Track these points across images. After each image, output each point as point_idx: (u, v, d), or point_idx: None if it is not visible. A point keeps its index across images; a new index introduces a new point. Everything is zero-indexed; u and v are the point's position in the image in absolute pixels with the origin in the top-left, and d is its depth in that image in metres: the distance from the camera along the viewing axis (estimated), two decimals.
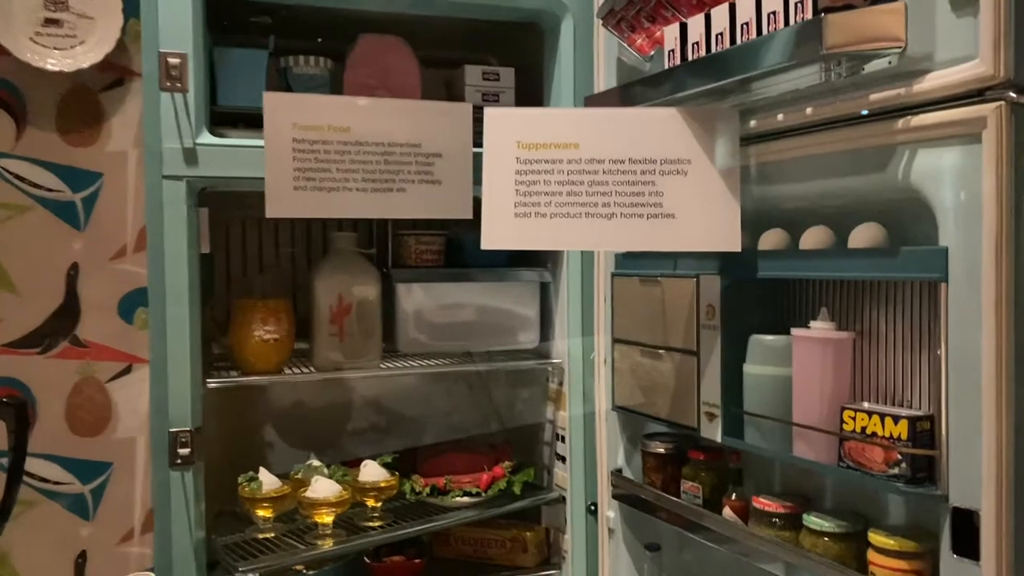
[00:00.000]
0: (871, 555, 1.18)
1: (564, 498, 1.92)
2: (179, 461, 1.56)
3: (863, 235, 1.20)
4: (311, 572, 1.77)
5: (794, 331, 1.29)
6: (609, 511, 1.77)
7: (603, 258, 1.78)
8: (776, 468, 1.45)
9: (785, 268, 1.32)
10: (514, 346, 1.96)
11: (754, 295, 1.41)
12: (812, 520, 1.26)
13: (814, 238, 1.28)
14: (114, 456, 2.15)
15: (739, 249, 1.34)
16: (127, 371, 2.16)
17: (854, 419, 1.18)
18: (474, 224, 1.76)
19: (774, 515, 1.34)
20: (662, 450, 1.61)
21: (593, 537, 1.85)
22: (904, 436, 1.12)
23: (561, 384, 1.93)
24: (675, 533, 1.66)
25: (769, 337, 1.35)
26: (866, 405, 1.21)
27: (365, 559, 1.85)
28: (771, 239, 1.36)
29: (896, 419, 1.13)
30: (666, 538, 1.68)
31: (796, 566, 1.27)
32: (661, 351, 1.55)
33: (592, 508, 1.86)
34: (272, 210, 1.50)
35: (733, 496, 1.44)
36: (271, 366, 1.75)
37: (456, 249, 1.95)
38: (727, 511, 1.43)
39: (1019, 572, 1.00)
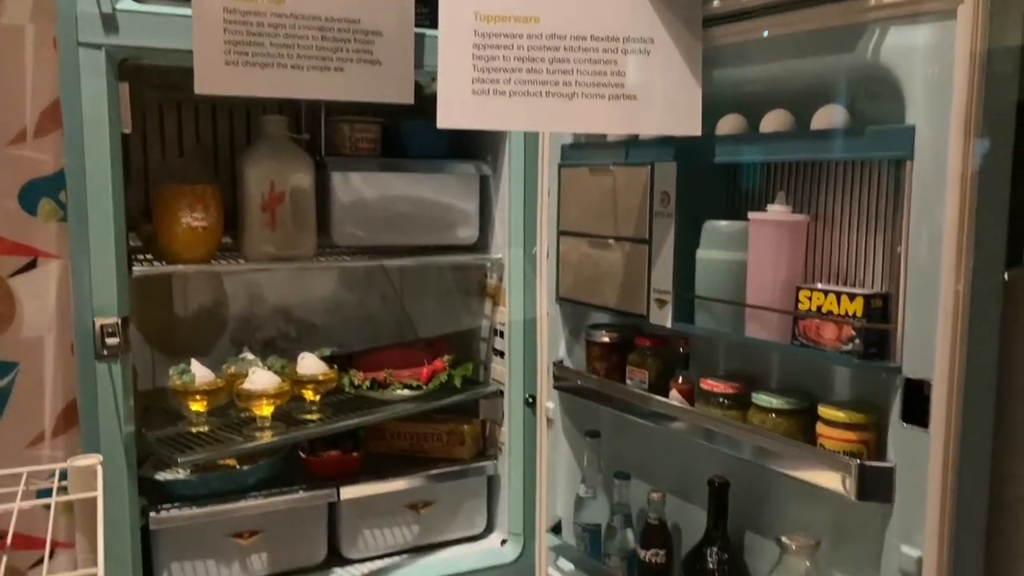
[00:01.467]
0: (820, 428, 1.23)
1: (501, 392, 1.92)
2: (106, 352, 1.47)
3: (825, 117, 1.21)
4: (246, 467, 1.73)
5: (751, 215, 1.30)
6: (549, 402, 1.78)
7: (547, 150, 1.74)
8: (722, 353, 1.49)
9: (744, 153, 1.32)
10: (453, 241, 1.92)
11: (710, 182, 1.42)
12: (762, 398, 1.30)
13: (774, 121, 1.28)
14: (20, 356, 2.01)
15: (699, 133, 1.33)
16: (31, 266, 2.01)
17: (810, 298, 1.21)
18: (412, 111, 1.70)
19: (721, 395, 1.37)
20: (607, 339, 1.63)
21: (531, 429, 1.87)
22: (859, 313, 1.15)
23: (500, 280, 1.91)
24: (614, 421, 1.69)
25: (724, 223, 1.36)
26: (820, 286, 1.24)
27: (301, 454, 1.81)
28: (729, 124, 1.36)
29: (852, 297, 1.16)
30: (606, 426, 1.71)
31: (744, 442, 1.31)
32: (611, 241, 1.55)
33: (530, 401, 1.87)
34: (201, 85, 1.39)
35: (680, 380, 1.47)
36: (199, 256, 1.66)
37: (393, 138, 1.87)
38: (673, 394, 1.46)
39: (964, 436, 1.06)
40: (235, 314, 1.96)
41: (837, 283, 1.27)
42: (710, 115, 1.35)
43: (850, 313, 1.16)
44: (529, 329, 1.85)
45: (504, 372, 1.91)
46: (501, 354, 1.93)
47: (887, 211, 1.20)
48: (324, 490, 1.76)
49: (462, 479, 1.92)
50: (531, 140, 1.79)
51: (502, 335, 1.92)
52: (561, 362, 1.76)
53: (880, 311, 1.16)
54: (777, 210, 1.28)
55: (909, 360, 1.10)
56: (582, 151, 1.65)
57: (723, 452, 1.36)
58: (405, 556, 1.87)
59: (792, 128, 1.26)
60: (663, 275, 1.42)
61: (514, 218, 1.84)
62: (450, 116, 1.31)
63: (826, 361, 1.24)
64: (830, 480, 1.17)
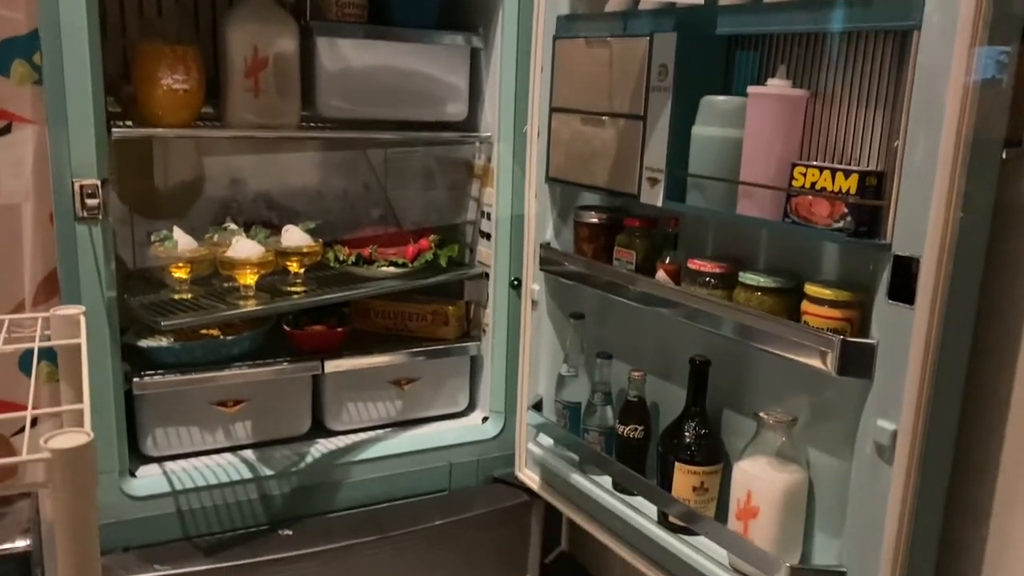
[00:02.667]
0: (805, 306, 1.23)
1: (487, 274, 1.92)
2: (86, 214, 1.44)
3: None
4: (230, 337, 1.73)
5: (751, 88, 1.27)
6: (534, 284, 1.78)
7: (542, 20, 1.68)
8: (711, 234, 1.48)
9: (746, 24, 1.28)
10: (441, 118, 1.87)
11: (710, 55, 1.37)
12: (748, 276, 1.30)
13: None
14: None
15: (702, 1, 1.28)
16: (6, 131, 1.95)
17: (804, 175, 1.20)
18: None
19: (708, 275, 1.37)
20: (596, 220, 1.61)
21: (515, 311, 1.87)
22: (853, 190, 1.14)
23: (489, 160, 1.88)
24: (599, 303, 1.69)
25: (722, 98, 1.33)
26: (815, 163, 1.22)
27: (285, 327, 1.81)
28: None
29: (847, 174, 1.15)
30: (590, 308, 1.71)
31: (727, 321, 1.31)
32: (604, 118, 1.51)
33: (515, 283, 1.87)
34: None
35: (667, 260, 1.46)
36: (181, 120, 1.61)
37: (380, 5, 1.80)
38: (660, 274, 1.46)
39: (949, 313, 1.06)
40: (216, 197, 1.92)
41: (833, 162, 1.25)
42: None
43: (844, 190, 1.15)
44: (517, 211, 1.83)
45: (490, 255, 1.90)
46: (488, 236, 1.91)
47: (888, 89, 1.17)
48: (309, 362, 1.77)
49: (445, 358, 1.93)
50: (526, 10, 1.73)
51: (489, 217, 1.90)
52: (548, 244, 1.75)
53: (874, 189, 1.15)
54: (777, 84, 1.25)
55: (900, 237, 1.09)
56: (578, 22, 1.60)
57: (706, 333, 1.36)
58: (388, 429, 1.90)
59: None
60: (657, 152, 1.40)
61: (505, 94, 1.80)
62: None
63: (816, 239, 1.23)
64: (812, 357, 1.18)
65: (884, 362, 1.13)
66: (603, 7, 1.56)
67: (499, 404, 1.93)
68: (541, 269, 1.74)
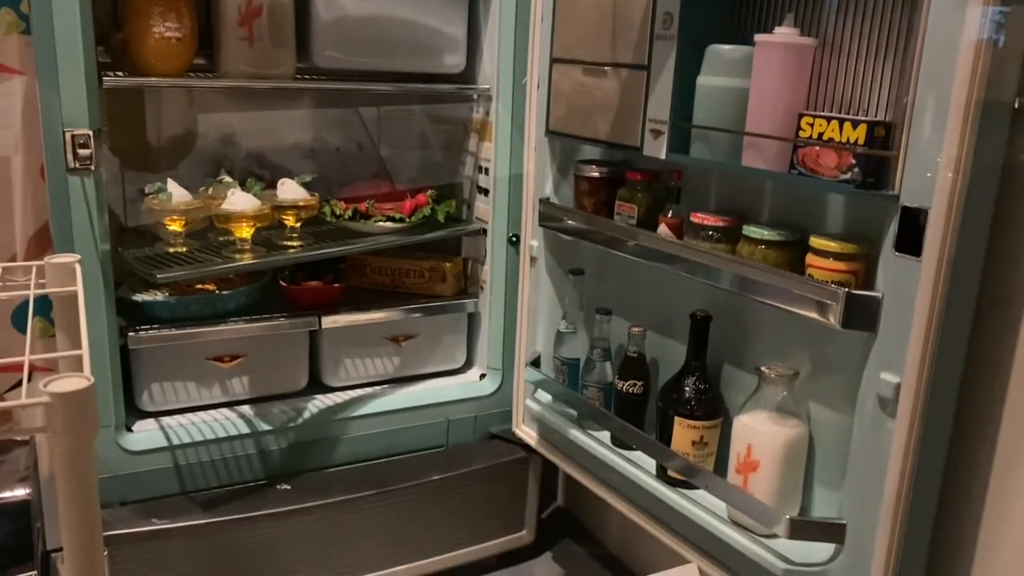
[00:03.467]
0: (810, 259, 1.22)
1: (484, 231, 1.90)
2: (78, 165, 1.41)
3: None
4: (226, 292, 1.71)
5: (758, 37, 1.24)
6: (533, 240, 1.76)
7: None
8: (715, 187, 1.46)
9: None
10: (438, 69, 1.84)
11: (716, 2, 1.34)
12: (752, 229, 1.29)
13: None
14: None
15: None
16: None
17: (812, 125, 1.18)
18: None
19: (711, 228, 1.36)
20: (597, 174, 1.59)
21: (513, 268, 1.86)
22: (861, 140, 1.12)
23: (487, 114, 1.85)
24: (599, 259, 1.68)
25: (728, 47, 1.30)
26: (823, 113, 1.20)
27: (281, 283, 1.79)
28: None
29: (855, 124, 1.13)
30: (590, 264, 1.70)
31: (730, 274, 1.30)
32: (607, 68, 1.48)
33: (514, 240, 1.85)
34: None
35: (670, 214, 1.44)
36: (174, 70, 1.57)
37: None
38: (662, 228, 1.44)
39: (956, 265, 1.05)
40: (209, 153, 1.89)
41: (840, 112, 1.23)
42: None
43: (852, 140, 1.13)
44: (516, 166, 1.81)
45: (488, 211, 1.88)
46: (485, 192, 1.89)
47: (897, 38, 1.15)
48: (306, 318, 1.75)
49: (443, 315, 1.92)
50: None
51: (487, 172, 1.88)
52: (547, 199, 1.73)
53: (882, 140, 1.13)
54: (784, 32, 1.22)
55: (908, 189, 1.07)
56: None
57: (707, 287, 1.35)
58: (386, 386, 1.89)
59: None
60: (661, 103, 1.37)
61: (504, 45, 1.76)
62: None
63: (823, 190, 1.22)
64: (816, 310, 1.17)
65: (889, 315, 1.12)
66: None
67: (496, 361, 1.92)
68: (540, 225, 1.72)
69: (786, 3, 1.29)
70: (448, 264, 1.93)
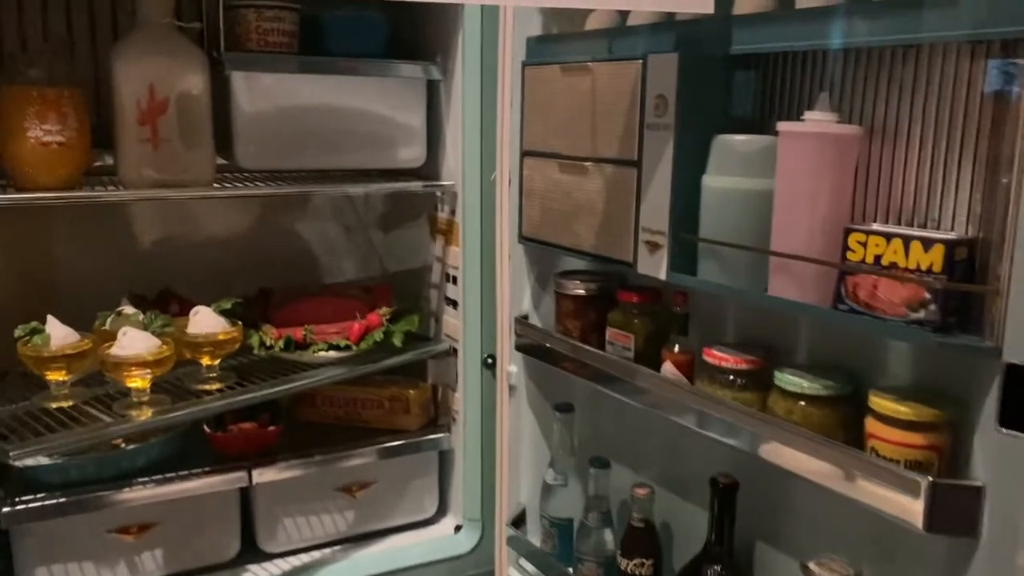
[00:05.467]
0: (871, 425, 0.89)
1: (455, 350, 1.58)
2: None
3: None
4: (132, 447, 1.38)
5: (781, 125, 0.93)
6: (511, 365, 1.44)
7: (509, 46, 1.36)
8: (732, 313, 1.14)
9: (774, 38, 0.94)
10: (393, 164, 1.54)
11: (723, 82, 1.04)
12: (787, 378, 0.96)
13: None
14: None
15: (711, 10, 0.95)
16: None
17: (864, 245, 0.86)
18: None
19: (732, 371, 1.03)
20: (582, 292, 1.27)
21: (490, 395, 1.53)
22: (938, 268, 0.80)
23: (453, 213, 1.54)
24: (591, 392, 1.35)
25: (741, 137, 0.99)
26: (878, 227, 0.88)
27: (205, 427, 1.47)
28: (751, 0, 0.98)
29: (927, 243, 0.81)
30: (580, 398, 1.37)
31: (761, 438, 0.97)
32: (587, 164, 1.18)
33: (489, 361, 1.53)
34: None
35: (676, 348, 1.12)
36: (58, 180, 1.28)
37: (315, 31, 1.47)
38: (668, 366, 1.12)
39: None
40: (113, 254, 1.58)
41: (902, 224, 0.91)
42: None
43: (924, 267, 0.81)
44: (488, 275, 1.50)
45: (458, 326, 1.56)
46: (455, 304, 1.57)
47: (981, 120, 0.83)
48: (232, 473, 1.42)
49: (407, 455, 1.58)
50: (490, 31, 1.40)
51: (455, 281, 1.56)
52: (526, 317, 1.41)
53: (966, 265, 0.82)
54: (818, 118, 0.91)
55: (1014, 338, 0.75)
56: (553, 44, 1.28)
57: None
58: (337, 548, 1.54)
59: (844, 1, 0.89)
60: (656, 209, 1.06)
61: (468, 134, 1.47)
62: None
63: (885, 336, 0.89)
64: (886, 501, 0.84)
65: (995, 515, 0.78)
66: (582, 25, 1.24)
67: (474, 510, 1.58)
68: (518, 350, 1.40)
69: (817, 79, 0.99)
70: (412, 392, 1.60)
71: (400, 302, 1.61)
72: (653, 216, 1.07)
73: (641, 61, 1.07)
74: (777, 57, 1.03)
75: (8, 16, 1.45)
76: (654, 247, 1.07)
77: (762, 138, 0.98)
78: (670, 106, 1.03)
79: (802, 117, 0.92)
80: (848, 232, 0.87)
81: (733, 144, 0.99)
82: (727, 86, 1.04)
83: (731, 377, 1.03)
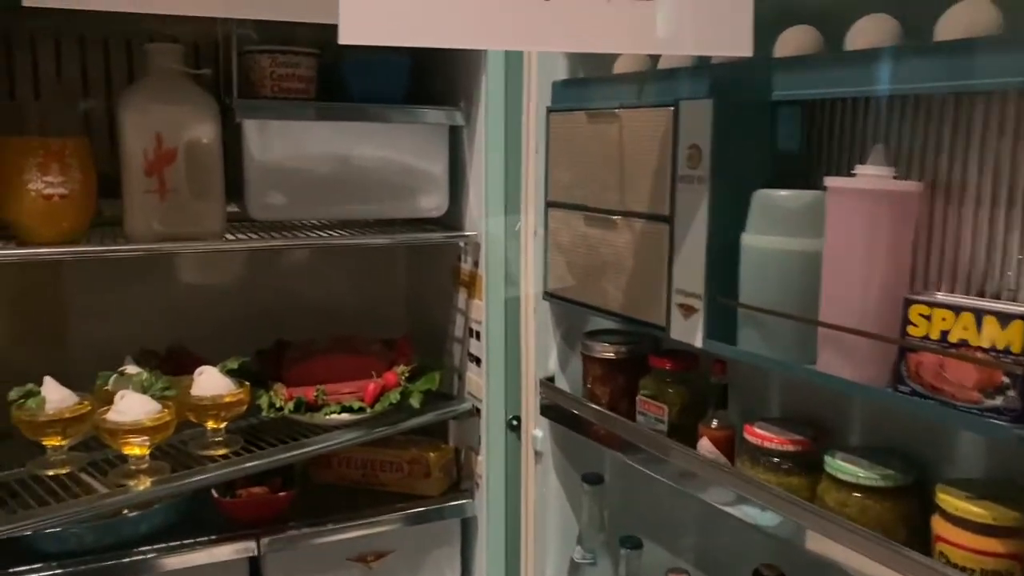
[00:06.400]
0: (939, 526, 0.77)
1: (478, 410, 1.48)
2: None
3: (964, 18, 0.73)
4: (135, 513, 1.31)
5: (831, 180, 0.83)
6: (536, 429, 1.35)
7: (534, 91, 1.28)
8: (774, 384, 1.03)
9: (821, 83, 0.85)
10: (414, 214, 1.47)
11: (763, 131, 0.94)
12: (840, 465, 0.85)
13: (872, 30, 0.81)
14: None
15: (750, 52, 0.86)
16: None
17: (928, 319, 0.75)
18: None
19: (777, 453, 0.92)
20: (611, 355, 1.17)
21: (515, 459, 1.43)
22: (1017, 347, 0.69)
23: (476, 265, 1.46)
24: (623, 462, 1.24)
25: (785, 192, 0.89)
26: (943, 297, 0.77)
27: (213, 491, 1.39)
28: (796, 40, 0.88)
29: (1004, 319, 0.70)
30: (611, 469, 1.26)
31: (810, 529, 0.85)
32: (616, 217, 1.09)
33: (514, 423, 1.43)
34: None
35: (714, 423, 1.01)
36: (60, 234, 1.22)
37: (332, 77, 1.41)
38: (705, 443, 1.01)
39: None
40: (121, 307, 1.52)
41: (972, 293, 0.80)
42: (764, 28, 0.88)
43: (1000, 346, 0.70)
44: (512, 331, 1.41)
45: (481, 385, 1.47)
46: (478, 361, 1.48)
47: None
48: (241, 542, 1.34)
49: (428, 522, 1.48)
50: (514, 76, 1.33)
51: (479, 336, 1.47)
52: (552, 379, 1.31)
53: None
54: (872, 173, 0.81)
55: None
56: (579, 89, 1.19)
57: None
58: None
59: (899, 41, 0.79)
60: (690, 270, 0.96)
61: (492, 183, 1.39)
62: (359, 26, 0.84)
63: (955, 425, 0.78)
64: None
65: None
66: (611, 68, 1.15)
67: None
68: (543, 415, 1.30)
69: (868, 127, 0.88)
70: (433, 454, 1.50)
71: (423, 356, 1.52)
72: (687, 277, 0.97)
73: (673, 108, 0.98)
74: (822, 104, 0.93)
75: (23, 63, 1.41)
76: (689, 311, 0.97)
77: (807, 193, 0.88)
78: (704, 157, 0.93)
79: (853, 171, 0.82)
80: (909, 303, 0.76)
81: (775, 200, 0.89)
82: (766, 135, 0.94)
83: (775, 459, 0.92)
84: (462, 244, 1.49)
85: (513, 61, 1.33)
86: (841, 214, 0.82)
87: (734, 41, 0.85)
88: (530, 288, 1.34)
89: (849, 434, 0.93)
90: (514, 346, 1.41)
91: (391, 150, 1.43)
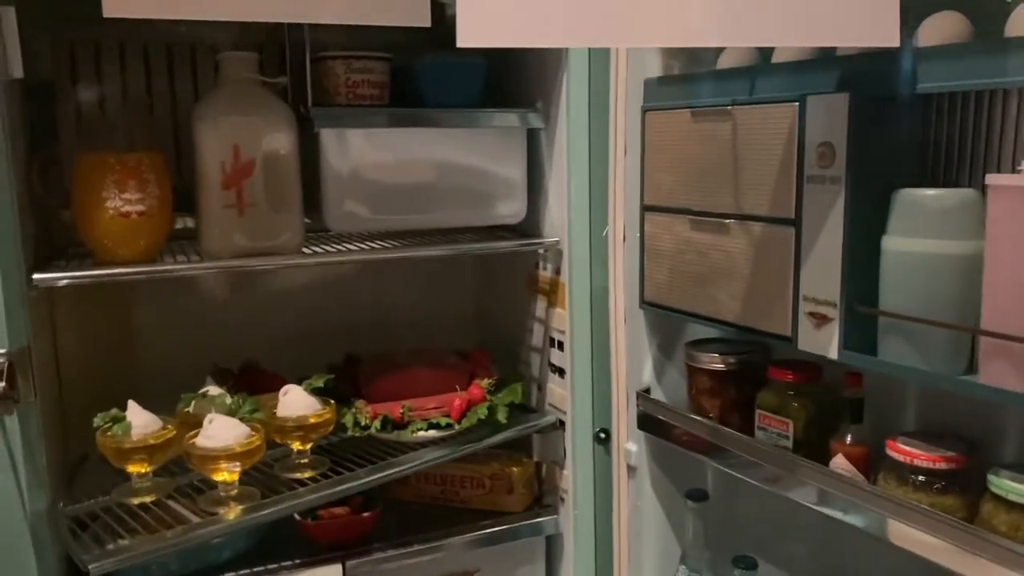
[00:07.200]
0: None
1: (562, 422, 1.43)
2: None
3: None
4: (216, 539, 1.26)
5: (992, 178, 0.77)
6: (630, 443, 1.29)
7: (622, 86, 1.22)
8: (913, 396, 0.96)
9: (979, 72, 0.78)
10: (491, 221, 1.41)
11: (903, 126, 0.88)
12: (1007, 485, 0.78)
13: None
14: None
15: (896, 42, 0.79)
16: None
17: None
18: (432, 43, 1.20)
19: (927, 471, 0.85)
20: (721, 366, 1.11)
21: (603, 473, 1.38)
22: None
23: (558, 272, 1.40)
24: (729, 477, 1.18)
25: (934, 192, 0.83)
26: None
27: (295, 514, 1.34)
28: (941, 27, 0.82)
29: None
30: (717, 484, 1.21)
31: (973, 554, 0.79)
32: (729, 221, 1.03)
33: (602, 436, 1.38)
34: (111, 6, 0.89)
35: (848, 439, 0.95)
36: (137, 252, 1.18)
37: (406, 81, 1.36)
38: (840, 460, 0.95)
39: None
40: (202, 325, 1.48)
41: None
42: (909, 13, 0.82)
43: None
44: (600, 340, 1.35)
45: (565, 396, 1.41)
46: (561, 372, 1.42)
47: None
48: (325, 566, 1.29)
49: (512, 540, 1.43)
50: (599, 73, 1.27)
51: (561, 347, 1.42)
52: (648, 391, 1.26)
53: None
54: None
55: None
56: (679, 86, 1.13)
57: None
58: None
59: None
60: (823, 276, 0.90)
61: (576, 187, 1.33)
62: (477, 28, 0.79)
63: None
64: None
65: None
66: (713, 63, 1.09)
67: None
68: (641, 428, 1.24)
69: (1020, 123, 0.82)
70: (516, 469, 1.45)
71: (498, 367, 1.47)
72: (819, 283, 0.91)
73: (797, 103, 0.92)
74: (968, 96, 0.86)
75: (88, 80, 1.37)
76: (821, 320, 0.91)
77: (959, 192, 0.81)
78: (839, 156, 0.87)
79: (1019, 168, 0.76)
80: None
81: (922, 199, 0.83)
82: (908, 132, 0.88)
83: (926, 477, 0.85)
84: (542, 251, 1.43)
85: (597, 59, 1.28)
86: (1006, 214, 0.76)
87: (880, 30, 0.79)
88: (620, 297, 1.28)
89: (1002, 448, 0.87)
90: (601, 356, 1.35)
91: (467, 155, 1.37)
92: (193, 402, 1.22)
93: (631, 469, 1.30)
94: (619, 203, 1.25)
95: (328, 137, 1.28)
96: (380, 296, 1.63)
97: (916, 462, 0.86)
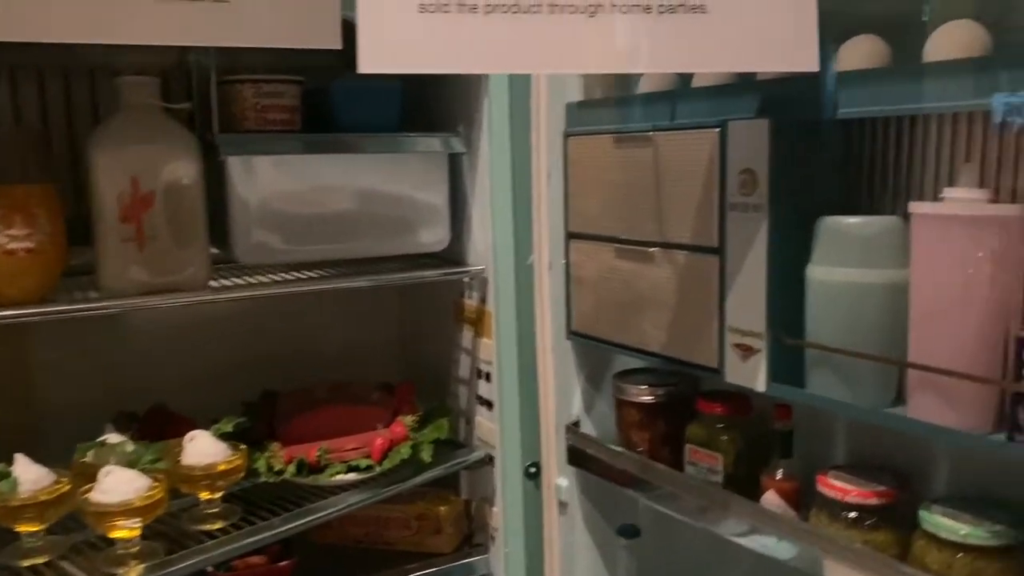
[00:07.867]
0: None
1: (491, 458, 1.37)
2: None
3: None
4: None
5: (916, 207, 0.75)
6: (561, 478, 1.24)
7: (543, 111, 1.19)
8: (842, 428, 0.94)
9: (900, 97, 0.77)
10: (413, 249, 1.36)
11: (825, 152, 0.86)
12: (938, 521, 0.76)
13: (954, 40, 0.73)
14: None
15: (816, 66, 0.77)
16: None
17: None
18: (346, 64, 1.14)
19: (858, 507, 0.83)
20: (650, 399, 1.08)
21: (534, 509, 1.33)
22: None
23: (484, 301, 1.35)
24: (662, 514, 1.14)
25: (857, 219, 0.81)
26: None
27: (209, 567, 1.25)
28: (861, 51, 0.80)
29: None
30: (649, 520, 1.17)
31: None
32: (653, 249, 0.99)
33: (532, 471, 1.33)
34: None
35: (779, 474, 0.92)
36: (27, 291, 1.08)
37: (320, 104, 1.30)
38: (771, 496, 0.92)
39: None
40: (95, 366, 1.38)
41: None
42: (828, 38, 0.80)
43: None
44: (527, 371, 1.30)
45: (494, 430, 1.36)
46: (489, 404, 1.37)
47: None
48: None
49: None
50: (520, 98, 1.23)
51: (488, 378, 1.37)
52: (577, 424, 1.21)
53: None
54: (964, 197, 0.73)
55: None
56: (600, 110, 1.10)
57: None
58: None
59: (989, 50, 0.71)
60: (748, 306, 0.87)
61: (499, 213, 1.29)
62: (379, 53, 0.74)
63: None
64: None
65: None
66: (633, 87, 1.07)
67: None
68: (570, 463, 1.20)
69: (957, 146, 0.80)
70: (443, 508, 1.39)
71: (423, 401, 1.41)
72: (744, 314, 0.88)
73: (718, 129, 0.89)
74: (889, 121, 0.85)
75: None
76: (748, 351, 0.88)
77: (882, 219, 0.80)
78: (760, 182, 0.85)
79: (941, 196, 0.74)
80: (1021, 342, 0.68)
81: (846, 227, 0.81)
82: (831, 158, 0.86)
83: (856, 514, 0.83)
84: (467, 280, 1.38)
85: (518, 82, 1.24)
86: (929, 243, 0.74)
87: (799, 55, 0.77)
88: (547, 326, 1.24)
89: (932, 482, 0.85)
90: (529, 388, 1.31)
91: (387, 182, 1.32)
92: (91, 452, 1.13)
93: (562, 505, 1.26)
94: (544, 230, 1.21)
95: (235, 165, 1.20)
96: (300, 329, 1.55)
97: (847, 498, 0.83)
